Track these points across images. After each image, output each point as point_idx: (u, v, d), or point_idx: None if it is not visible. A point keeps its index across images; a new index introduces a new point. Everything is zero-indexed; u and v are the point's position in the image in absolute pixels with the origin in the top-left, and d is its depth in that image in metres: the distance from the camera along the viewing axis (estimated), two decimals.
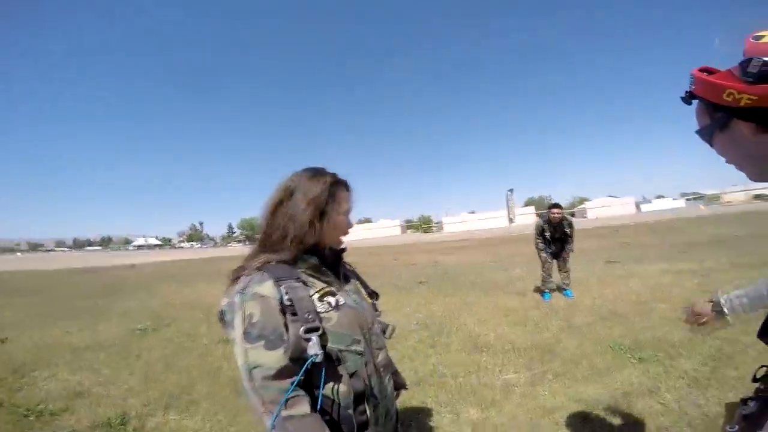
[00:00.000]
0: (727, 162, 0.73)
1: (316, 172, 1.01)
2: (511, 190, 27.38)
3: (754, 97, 0.59)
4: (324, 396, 0.87)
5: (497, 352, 3.53)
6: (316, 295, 0.91)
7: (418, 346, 3.91)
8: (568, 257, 5.56)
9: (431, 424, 2.39)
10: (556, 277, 5.61)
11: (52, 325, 5.95)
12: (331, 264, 1.03)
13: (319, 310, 0.89)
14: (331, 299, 0.93)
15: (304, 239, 0.94)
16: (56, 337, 5.17)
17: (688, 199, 73.53)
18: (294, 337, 0.83)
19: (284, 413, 0.80)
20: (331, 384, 0.88)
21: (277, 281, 0.87)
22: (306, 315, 0.85)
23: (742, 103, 0.60)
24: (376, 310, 1.11)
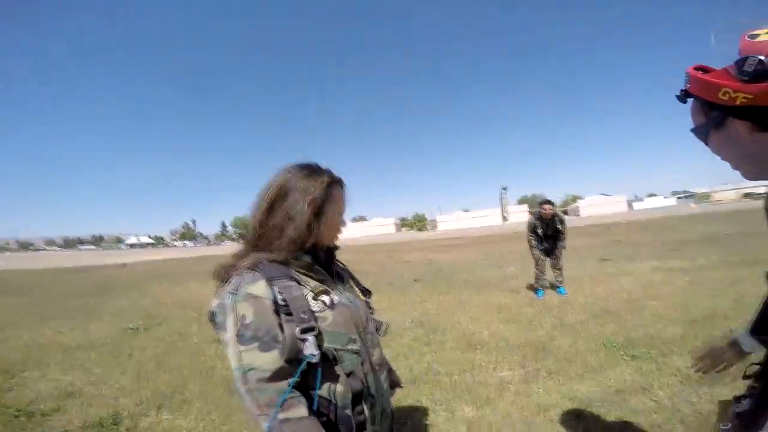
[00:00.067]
0: (722, 159, 0.73)
1: (312, 170, 0.98)
2: (504, 188, 27.63)
3: (750, 96, 0.59)
4: (320, 397, 0.86)
5: (491, 349, 3.54)
6: (310, 294, 0.90)
7: (413, 344, 3.92)
8: (561, 254, 5.59)
9: (427, 422, 2.39)
10: (550, 275, 5.64)
11: (42, 324, 5.87)
12: (323, 262, 1.01)
13: (313, 309, 0.87)
14: (326, 298, 0.91)
15: (303, 241, 0.92)
16: (47, 336, 5.11)
17: (679, 198, 74.42)
18: (290, 338, 0.82)
19: (281, 416, 0.79)
20: (327, 384, 0.87)
21: (270, 281, 0.85)
22: (301, 315, 0.84)
23: (737, 102, 0.60)
24: (370, 308, 1.10)
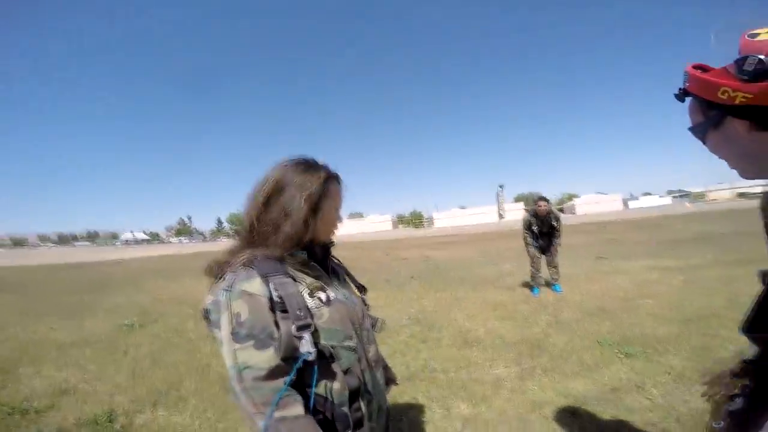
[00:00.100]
0: (720, 158, 0.73)
1: (309, 166, 0.96)
2: (501, 186, 27.64)
3: (749, 95, 0.59)
4: (317, 395, 0.85)
5: (487, 347, 3.56)
6: (306, 291, 0.88)
7: (410, 341, 3.93)
8: (556, 252, 5.59)
9: (423, 419, 2.40)
10: (545, 273, 5.65)
11: (36, 321, 5.83)
12: (319, 258, 0.99)
13: (309, 306, 0.86)
14: (322, 294, 0.90)
15: (299, 237, 0.91)
16: (41, 333, 5.08)
17: (674, 197, 74.93)
18: (286, 336, 0.81)
19: (277, 415, 0.78)
20: (324, 382, 0.86)
21: (265, 277, 0.84)
22: (297, 312, 0.83)
23: (736, 101, 0.60)
24: (365, 305, 1.09)
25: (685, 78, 0.69)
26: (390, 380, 1.18)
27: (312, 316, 0.85)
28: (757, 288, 0.87)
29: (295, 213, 0.90)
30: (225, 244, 0.99)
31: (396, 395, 2.66)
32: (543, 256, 5.64)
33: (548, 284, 5.72)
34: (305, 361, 0.81)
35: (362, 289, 1.12)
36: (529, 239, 5.65)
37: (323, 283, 0.94)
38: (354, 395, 0.90)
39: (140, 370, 3.55)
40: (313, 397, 0.84)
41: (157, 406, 2.80)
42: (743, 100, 0.59)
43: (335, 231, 1.04)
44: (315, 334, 0.84)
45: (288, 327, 0.81)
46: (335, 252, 1.09)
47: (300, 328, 0.81)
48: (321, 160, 1.01)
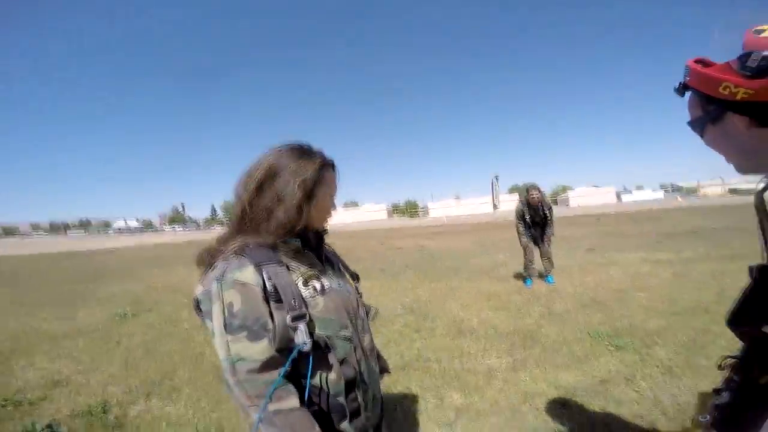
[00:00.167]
0: (717, 153, 0.73)
1: (304, 152, 0.93)
2: (496, 177, 27.65)
3: (751, 91, 0.59)
4: (312, 385, 0.84)
5: (480, 337, 3.59)
6: (300, 280, 0.87)
7: (404, 330, 3.96)
8: (549, 242, 5.59)
9: (416, 409, 2.43)
10: (538, 263, 5.67)
11: (29, 312, 5.80)
12: (313, 247, 0.98)
13: (304, 295, 0.85)
14: (316, 283, 0.89)
15: (293, 224, 0.88)
16: (34, 324, 5.05)
17: (666, 191, 75.54)
18: (280, 326, 0.79)
19: (271, 407, 0.77)
20: (319, 373, 0.85)
21: (258, 266, 0.81)
22: (291, 301, 0.81)
23: (738, 97, 0.60)
24: (358, 293, 1.08)
25: (686, 72, 0.68)
26: (383, 369, 1.17)
27: (307, 306, 0.84)
28: (746, 282, 0.88)
29: (288, 199, 0.87)
30: (219, 232, 0.97)
31: (390, 385, 2.68)
32: (536, 247, 5.64)
33: (541, 275, 5.76)
34: (300, 352, 0.80)
35: (355, 277, 1.10)
36: (522, 229, 5.64)
37: (317, 272, 0.92)
38: (350, 385, 0.89)
39: (134, 360, 3.55)
40: (308, 388, 0.83)
41: (151, 396, 2.81)
42: (745, 96, 0.59)
43: (329, 219, 1.02)
44: (310, 324, 0.83)
45: (282, 317, 0.80)
46: (328, 240, 1.07)
47: (295, 319, 0.80)
48: (316, 146, 0.98)
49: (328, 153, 0.99)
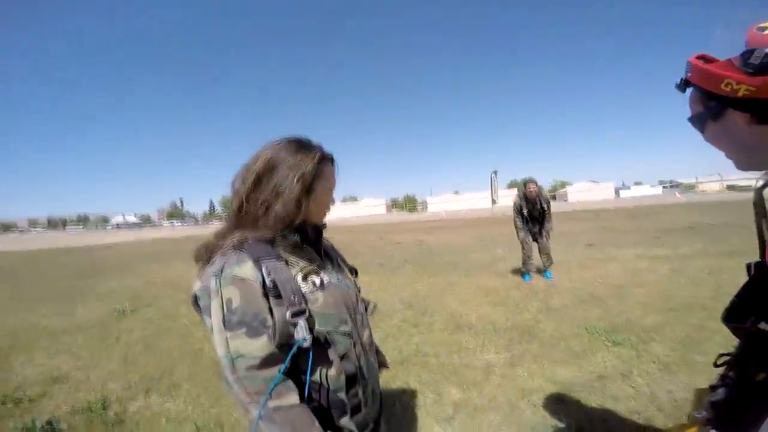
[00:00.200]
0: (717, 149, 0.74)
1: (302, 145, 0.92)
2: (495, 172, 27.55)
3: (753, 88, 0.59)
4: (312, 382, 0.83)
5: (478, 332, 3.60)
6: (300, 275, 0.86)
7: (402, 325, 3.97)
8: (548, 237, 5.56)
9: (414, 404, 2.44)
10: (537, 259, 5.66)
11: (27, 308, 5.79)
12: (311, 241, 0.96)
13: (303, 290, 0.84)
14: (316, 278, 0.88)
15: (291, 218, 0.87)
16: (33, 320, 5.05)
17: (665, 187, 75.60)
18: (280, 322, 0.79)
19: (271, 404, 0.76)
20: (319, 369, 0.84)
21: (258, 261, 0.81)
22: (291, 297, 0.80)
23: (739, 94, 0.60)
24: (357, 288, 1.07)
25: (688, 68, 0.68)
26: (381, 364, 1.16)
27: (306, 302, 0.83)
28: (743, 280, 0.88)
29: (287, 193, 0.86)
30: (217, 227, 0.96)
31: (388, 380, 2.69)
32: (535, 243, 5.62)
33: (539, 271, 5.77)
34: (300, 348, 0.79)
35: (353, 271, 1.10)
36: (519, 223, 5.60)
37: (317, 267, 0.91)
38: (351, 381, 0.89)
39: (133, 356, 3.55)
40: (308, 384, 0.83)
41: (150, 392, 2.81)
42: (746, 92, 0.59)
43: (327, 213, 1.01)
44: (310, 320, 0.82)
45: (282, 313, 0.79)
46: (327, 235, 1.06)
47: (295, 314, 0.79)
48: (314, 140, 0.97)
49: (327, 147, 0.98)
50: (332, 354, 0.85)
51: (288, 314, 0.79)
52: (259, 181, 0.88)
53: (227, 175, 0.94)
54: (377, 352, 1.14)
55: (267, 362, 0.78)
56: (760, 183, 0.79)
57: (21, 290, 7.55)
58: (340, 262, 1.06)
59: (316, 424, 0.80)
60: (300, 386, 0.82)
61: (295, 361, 0.81)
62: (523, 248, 5.59)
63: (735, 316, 0.77)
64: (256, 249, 0.83)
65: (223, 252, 0.84)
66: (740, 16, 0.67)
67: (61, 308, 5.69)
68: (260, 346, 0.78)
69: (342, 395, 0.87)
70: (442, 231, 16.64)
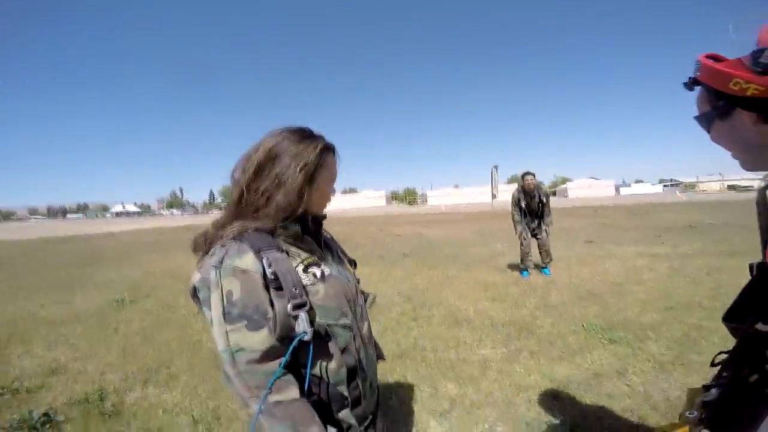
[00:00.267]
0: (724, 148, 0.74)
1: (305, 135, 0.90)
2: (496, 167, 27.55)
3: (761, 88, 0.59)
4: (312, 375, 0.83)
5: (476, 327, 3.62)
6: (300, 267, 0.84)
7: (401, 318, 3.98)
8: (548, 232, 5.53)
9: (411, 398, 2.45)
10: (536, 255, 5.65)
11: (26, 298, 5.79)
12: (312, 232, 0.95)
13: (304, 282, 0.82)
14: (317, 270, 0.86)
15: (293, 208, 0.86)
16: (31, 310, 5.05)
17: (665, 186, 75.60)
18: (281, 315, 0.77)
19: (272, 398, 0.75)
20: (319, 362, 0.83)
21: (258, 252, 0.79)
22: (292, 289, 0.78)
23: (748, 93, 0.60)
24: (356, 279, 1.06)
25: (697, 67, 0.68)
26: (378, 356, 1.15)
27: (307, 294, 0.81)
28: (743, 280, 0.88)
29: (289, 183, 0.85)
30: (216, 216, 0.94)
31: (386, 373, 2.70)
32: (534, 239, 5.60)
33: (537, 266, 5.77)
34: (300, 341, 0.78)
35: (351, 263, 1.09)
36: (517, 217, 5.58)
37: (317, 258, 0.90)
38: (351, 374, 0.88)
39: (131, 347, 3.56)
40: (308, 378, 0.82)
41: (148, 383, 2.82)
42: (755, 92, 0.59)
43: (327, 204, 1.00)
44: (310, 312, 0.81)
45: (283, 305, 0.77)
46: (328, 227, 1.05)
47: (296, 307, 0.78)
48: (316, 129, 0.96)
49: (328, 138, 0.97)
50: (333, 347, 0.84)
51: (289, 307, 0.78)
52: (260, 170, 0.86)
53: (227, 164, 0.93)
54: (375, 344, 1.13)
55: (267, 356, 0.77)
56: (765, 183, 0.78)
57: (20, 279, 7.55)
58: (339, 254, 1.05)
59: (316, 418, 0.79)
60: (300, 380, 0.81)
61: (295, 355, 0.80)
62: (521, 244, 5.58)
63: (735, 315, 0.77)
64: (256, 239, 0.82)
65: (223, 242, 0.83)
66: (751, 16, 0.66)
67: (60, 297, 5.69)
68: (261, 339, 0.76)
69: (342, 389, 0.86)
70: (442, 224, 16.66)
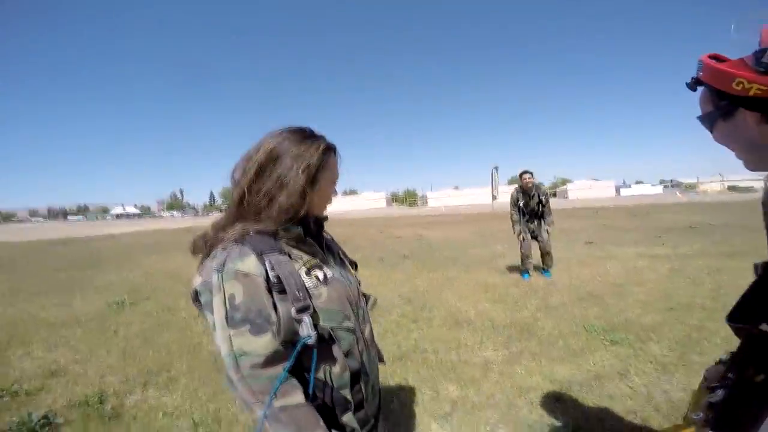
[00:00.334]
0: (727, 148, 0.74)
1: (306, 135, 0.90)
2: (496, 168, 27.54)
3: (764, 87, 0.59)
4: (316, 379, 0.82)
5: (477, 328, 3.61)
6: (303, 269, 0.83)
7: (401, 320, 3.97)
8: (549, 233, 5.48)
9: (412, 401, 2.44)
10: (536, 256, 5.61)
11: (26, 300, 5.78)
12: (314, 234, 0.94)
13: (307, 285, 0.81)
14: (319, 273, 0.85)
15: (296, 210, 0.85)
16: (31, 312, 5.04)
17: (666, 186, 75.65)
18: (285, 319, 0.76)
19: (277, 403, 0.75)
20: (323, 366, 0.82)
21: (261, 255, 0.78)
22: (296, 292, 0.77)
23: (751, 93, 0.60)
24: (358, 282, 1.05)
25: (699, 67, 0.68)
26: (378, 359, 1.14)
27: (310, 297, 0.80)
28: (743, 280, 0.87)
29: (291, 184, 0.84)
30: (215, 218, 0.94)
31: (387, 375, 2.69)
32: (534, 241, 5.56)
33: (537, 268, 5.75)
34: (304, 345, 0.77)
35: (353, 265, 1.08)
36: (516, 216, 5.54)
37: (320, 261, 0.89)
38: (354, 378, 0.87)
39: (131, 350, 3.55)
40: (312, 382, 0.81)
41: (148, 386, 2.81)
42: (758, 92, 0.59)
43: (329, 204, 0.99)
44: (314, 316, 0.80)
45: (287, 309, 0.77)
46: (329, 228, 1.04)
47: (300, 310, 0.77)
48: (316, 130, 0.95)
49: (329, 138, 0.96)
50: (336, 351, 0.84)
51: (293, 310, 0.77)
52: (261, 171, 0.85)
53: (227, 166, 0.92)
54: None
55: (271, 360, 0.76)
56: None
57: (20, 281, 7.54)
58: (341, 256, 1.04)
59: (321, 423, 0.79)
60: (303, 384, 0.80)
61: (299, 359, 0.79)
62: (521, 246, 5.54)
63: (739, 316, 0.76)
64: (258, 242, 0.81)
65: (225, 245, 0.82)
66: (753, 16, 0.66)
67: (60, 300, 5.68)
68: (264, 343, 0.76)
69: (345, 392, 0.85)
70: (442, 226, 16.65)
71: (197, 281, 0.82)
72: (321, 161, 0.88)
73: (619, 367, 2.68)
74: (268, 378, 0.76)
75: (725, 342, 2.80)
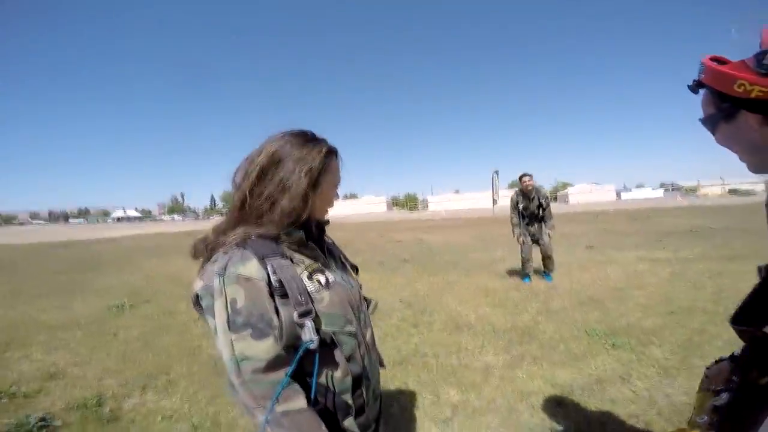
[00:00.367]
0: (730, 150, 0.74)
1: (308, 139, 0.89)
2: (496, 172, 27.50)
3: (766, 89, 0.59)
4: (318, 384, 0.81)
5: (478, 333, 3.59)
6: (305, 274, 0.83)
7: (402, 324, 3.95)
8: (550, 237, 5.45)
9: (413, 405, 2.42)
10: (537, 260, 5.59)
11: (25, 302, 5.78)
12: (315, 238, 0.94)
13: (309, 289, 0.81)
14: (321, 277, 0.85)
15: (298, 213, 0.85)
16: (30, 315, 5.03)
17: (666, 190, 75.72)
18: (287, 323, 0.76)
19: (279, 408, 0.74)
20: (325, 370, 0.82)
21: (263, 259, 0.78)
22: (298, 296, 0.77)
23: (752, 95, 0.60)
24: (359, 286, 1.05)
25: (701, 69, 0.68)
26: (378, 363, 1.14)
27: (312, 301, 0.80)
28: (745, 284, 0.87)
29: (294, 188, 0.84)
30: (216, 221, 0.93)
31: (387, 380, 2.68)
32: (535, 245, 5.54)
33: (537, 271, 5.72)
34: (306, 350, 0.77)
35: (354, 269, 1.08)
36: (516, 219, 5.51)
37: (321, 265, 0.89)
38: (356, 382, 0.87)
39: (130, 353, 3.54)
40: (314, 387, 0.81)
41: (147, 389, 2.80)
42: (760, 93, 0.60)
43: (330, 208, 0.99)
44: (316, 320, 0.79)
45: (289, 313, 0.76)
46: (329, 232, 1.04)
47: (302, 315, 0.77)
48: (318, 133, 0.95)
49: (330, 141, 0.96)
50: (338, 355, 0.83)
51: (295, 315, 0.77)
52: (263, 175, 0.85)
53: (228, 170, 0.92)
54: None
55: (273, 365, 0.76)
56: None
57: (20, 283, 7.54)
58: (342, 260, 1.04)
59: (323, 428, 0.78)
60: (305, 388, 0.80)
61: (300, 363, 0.78)
62: (521, 251, 5.52)
63: (742, 318, 0.76)
64: (260, 246, 0.80)
65: (226, 249, 0.81)
66: (755, 17, 0.66)
67: (60, 302, 5.68)
68: (266, 348, 0.75)
69: (347, 397, 0.85)
70: (443, 230, 16.66)
71: (198, 285, 0.82)
72: (323, 164, 0.88)
73: (621, 371, 2.67)
74: (269, 383, 0.75)
75: (727, 345, 2.79)
